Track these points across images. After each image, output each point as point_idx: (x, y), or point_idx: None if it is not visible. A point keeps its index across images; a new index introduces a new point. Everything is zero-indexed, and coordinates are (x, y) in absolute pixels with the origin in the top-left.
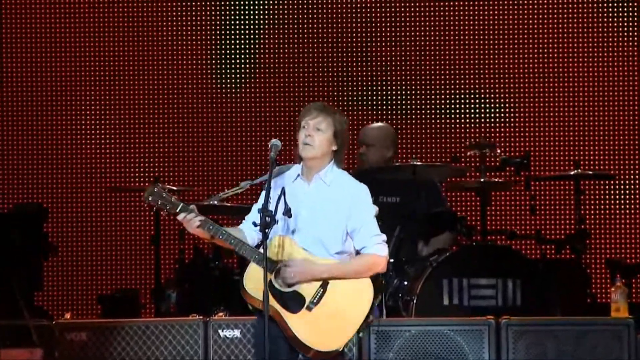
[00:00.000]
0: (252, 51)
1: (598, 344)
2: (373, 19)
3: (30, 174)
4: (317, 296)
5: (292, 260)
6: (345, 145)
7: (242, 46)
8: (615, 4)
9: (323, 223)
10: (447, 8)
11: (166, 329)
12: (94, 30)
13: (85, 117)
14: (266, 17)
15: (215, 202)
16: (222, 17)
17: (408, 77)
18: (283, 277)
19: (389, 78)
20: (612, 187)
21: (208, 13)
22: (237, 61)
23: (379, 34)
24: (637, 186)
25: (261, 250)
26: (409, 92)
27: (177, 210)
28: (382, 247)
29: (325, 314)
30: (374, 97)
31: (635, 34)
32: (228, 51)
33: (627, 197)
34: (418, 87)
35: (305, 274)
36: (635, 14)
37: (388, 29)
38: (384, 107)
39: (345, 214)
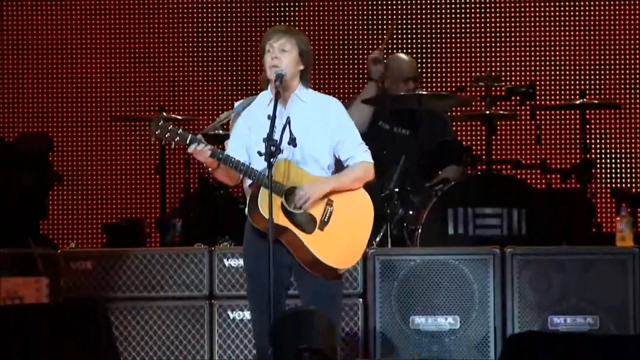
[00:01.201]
0: None
1: (603, 273)
2: None
3: (34, 103)
4: (327, 215)
5: (299, 187)
6: (310, 64)
7: None
8: None
9: (312, 138)
10: None
11: (171, 258)
12: None
13: (88, 45)
14: None
15: (214, 132)
16: None
17: (412, 5)
18: (297, 204)
19: (395, 7)
20: (618, 116)
21: None
22: None
23: None
24: None
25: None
26: (413, 20)
27: (188, 142)
28: (369, 154)
29: (337, 230)
30: (380, 25)
31: None
32: None
33: (634, 126)
34: (422, 15)
35: (314, 195)
36: None
37: None
38: (380, 34)
39: (329, 127)
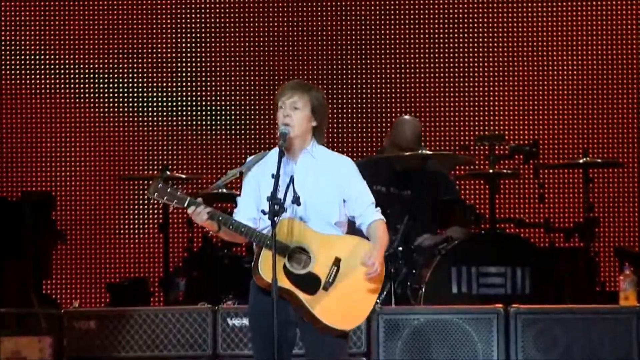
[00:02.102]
0: (261, 40)
1: (607, 333)
2: (386, 10)
3: (38, 162)
4: (332, 275)
5: (364, 252)
6: (325, 120)
7: (252, 35)
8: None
9: (319, 194)
10: (453, 1)
11: (175, 318)
12: (105, 18)
13: (94, 105)
14: (275, 5)
15: (218, 191)
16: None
17: (417, 68)
18: (368, 272)
19: (401, 67)
20: (621, 175)
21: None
22: (248, 49)
23: (392, 24)
24: None
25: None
26: (418, 82)
27: (185, 205)
28: (379, 212)
29: (342, 292)
30: (387, 86)
31: None
32: (237, 39)
33: (637, 185)
34: (427, 76)
35: (379, 260)
36: None
37: (402, 19)
38: (395, 97)
39: (338, 184)
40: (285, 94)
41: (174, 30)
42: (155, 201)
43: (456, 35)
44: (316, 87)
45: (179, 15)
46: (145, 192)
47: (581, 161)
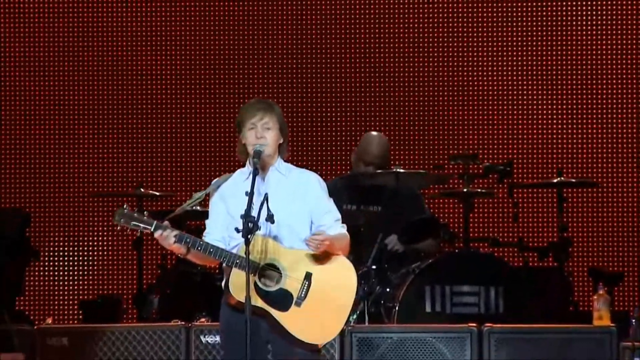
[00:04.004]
0: (233, 59)
1: (580, 353)
2: (356, 27)
3: (11, 179)
4: (304, 290)
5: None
6: (287, 137)
7: (224, 54)
8: (597, 19)
9: (290, 211)
10: (429, 17)
11: (148, 335)
12: (79, 35)
13: (67, 122)
14: (246, 25)
15: (192, 209)
16: (205, 26)
17: (392, 84)
18: (316, 246)
19: (373, 85)
20: (595, 194)
21: (189, 20)
22: (220, 68)
23: (363, 41)
24: (620, 194)
25: (241, 254)
26: (392, 99)
27: (152, 229)
28: (345, 228)
29: (314, 307)
30: (360, 104)
31: (617, 43)
32: (210, 58)
33: (610, 205)
34: (401, 94)
35: (328, 242)
36: (617, 25)
37: (371, 36)
38: (369, 114)
39: (308, 201)
40: (255, 115)
41: (147, 48)
42: (120, 228)
43: (430, 53)
44: (275, 103)
45: (151, 32)
46: (111, 219)
47: (555, 181)
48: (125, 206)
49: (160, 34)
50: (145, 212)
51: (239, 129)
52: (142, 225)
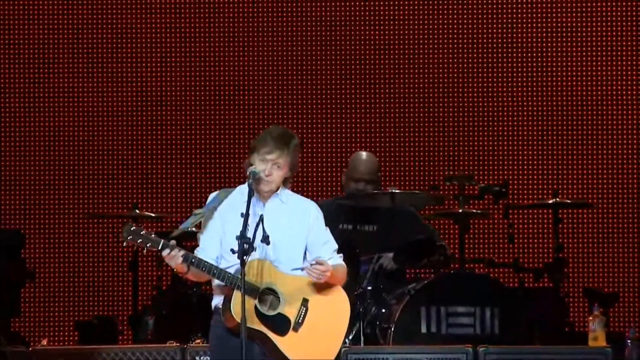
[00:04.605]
0: (225, 75)
1: None
2: (353, 46)
3: (7, 200)
4: (301, 315)
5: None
6: (296, 169)
7: (219, 71)
8: (591, 34)
9: (288, 238)
10: (425, 38)
11: (144, 356)
12: (73, 54)
13: (62, 143)
14: (244, 39)
15: (187, 230)
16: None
17: (388, 105)
18: (318, 277)
19: (369, 105)
20: (590, 215)
21: (185, 40)
22: (213, 87)
23: (359, 61)
24: (615, 215)
25: (239, 275)
26: (388, 120)
27: (160, 248)
28: (341, 259)
29: (311, 332)
30: (355, 125)
31: (613, 64)
32: (205, 77)
33: (605, 226)
34: (398, 114)
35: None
36: (612, 41)
37: (368, 56)
38: (364, 135)
39: (305, 229)
40: (270, 152)
41: (143, 69)
42: (127, 245)
43: (426, 75)
44: (294, 135)
45: (147, 51)
46: (119, 236)
47: (551, 202)
48: (132, 223)
49: (156, 54)
50: (151, 231)
51: (251, 150)
52: (149, 243)
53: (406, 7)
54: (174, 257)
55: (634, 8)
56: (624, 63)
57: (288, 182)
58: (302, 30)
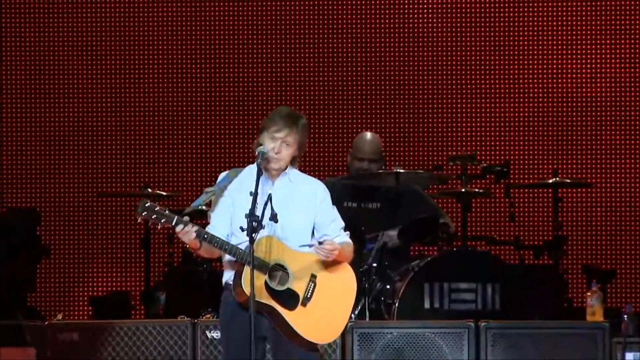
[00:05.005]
0: (237, 61)
1: (574, 348)
2: (356, 29)
3: (22, 179)
4: (310, 291)
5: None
6: (303, 150)
7: (229, 56)
8: (592, 24)
9: (296, 216)
10: (428, 20)
11: (155, 330)
12: (87, 34)
13: (74, 123)
14: (252, 21)
15: (198, 208)
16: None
17: (393, 88)
18: (326, 255)
19: (375, 88)
20: (589, 194)
21: (194, 18)
22: (226, 65)
23: (364, 43)
24: (614, 194)
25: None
26: (394, 102)
27: (173, 224)
28: (348, 236)
29: (319, 307)
30: (361, 107)
31: (613, 46)
32: (214, 55)
33: (604, 204)
34: (403, 97)
35: (336, 252)
36: (613, 29)
37: (372, 39)
38: (371, 116)
39: (314, 207)
40: (279, 130)
41: (155, 49)
42: (142, 220)
43: (430, 57)
44: (302, 115)
45: (159, 33)
46: (134, 212)
47: (551, 181)
48: (147, 199)
49: (168, 35)
50: (165, 207)
51: (260, 130)
52: (163, 219)
53: None
54: (188, 233)
55: None
56: (625, 44)
57: (296, 162)
58: (307, 11)
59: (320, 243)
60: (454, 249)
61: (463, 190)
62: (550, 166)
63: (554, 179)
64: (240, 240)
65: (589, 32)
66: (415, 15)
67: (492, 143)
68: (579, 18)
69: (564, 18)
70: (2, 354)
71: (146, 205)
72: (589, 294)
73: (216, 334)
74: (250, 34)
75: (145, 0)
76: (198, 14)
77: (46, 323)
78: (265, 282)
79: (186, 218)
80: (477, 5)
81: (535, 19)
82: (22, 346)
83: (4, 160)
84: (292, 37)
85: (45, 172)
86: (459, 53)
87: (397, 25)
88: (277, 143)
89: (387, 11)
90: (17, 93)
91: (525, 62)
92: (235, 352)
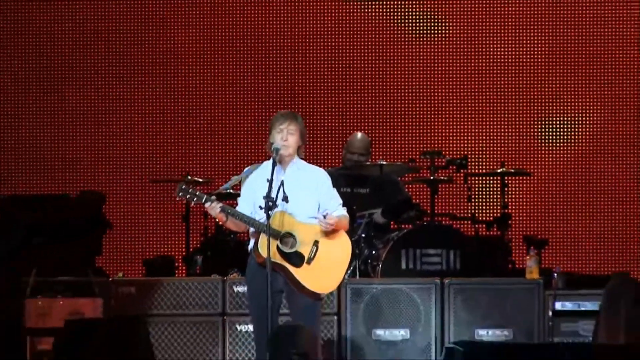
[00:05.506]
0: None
1: (517, 298)
2: (340, 37)
3: (92, 167)
4: (313, 253)
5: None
6: (305, 140)
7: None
8: (534, 17)
9: (303, 196)
10: (400, 40)
11: (194, 285)
12: (125, 24)
13: (134, 124)
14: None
15: (225, 191)
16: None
17: (377, 94)
18: (325, 226)
19: (362, 93)
20: (528, 181)
21: (234, 16)
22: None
23: (350, 50)
24: (547, 180)
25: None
26: (377, 105)
27: (203, 201)
28: (345, 210)
29: (320, 266)
30: (350, 110)
31: (554, 44)
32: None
33: (540, 189)
34: (385, 101)
35: (334, 225)
36: (540, 21)
37: (356, 48)
38: (358, 118)
39: (317, 189)
40: (283, 122)
41: (192, 42)
42: (179, 200)
43: (406, 70)
44: (299, 115)
45: (197, 26)
46: (173, 193)
47: (499, 171)
48: (183, 183)
49: (206, 28)
50: (197, 189)
51: (269, 131)
52: (196, 198)
53: None
54: (214, 208)
55: None
56: (565, 43)
57: (302, 152)
58: (296, 17)
59: (324, 217)
60: (424, 223)
61: (432, 178)
62: (499, 158)
63: (501, 169)
64: (261, 216)
65: (525, 31)
66: (377, 24)
67: (454, 140)
68: (518, 25)
69: (507, 21)
70: (77, 303)
71: (182, 187)
72: (528, 257)
73: (241, 289)
74: (283, 35)
75: None
76: (245, 12)
77: (110, 279)
78: (278, 247)
79: (213, 197)
80: (439, 13)
81: (483, 19)
82: (92, 297)
83: (78, 152)
84: (295, 45)
85: (111, 162)
86: (429, 69)
87: (381, 38)
88: (284, 132)
89: (371, 28)
90: (79, 91)
91: (479, 72)
92: (258, 302)
